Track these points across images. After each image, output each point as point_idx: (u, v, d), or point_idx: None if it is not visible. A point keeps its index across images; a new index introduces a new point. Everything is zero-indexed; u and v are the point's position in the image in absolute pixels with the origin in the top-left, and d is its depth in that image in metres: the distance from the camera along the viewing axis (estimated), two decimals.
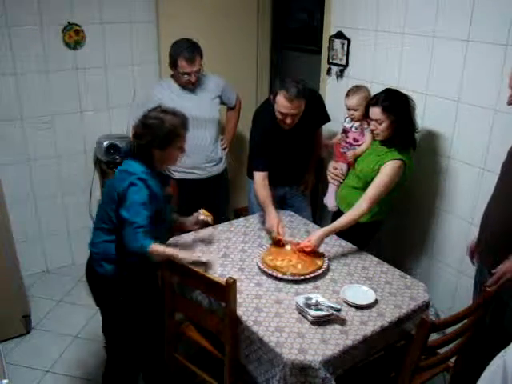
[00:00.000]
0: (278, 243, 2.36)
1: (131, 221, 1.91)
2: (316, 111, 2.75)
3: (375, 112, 2.34)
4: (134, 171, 1.98)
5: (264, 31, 3.87)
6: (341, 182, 2.68)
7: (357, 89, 2.61)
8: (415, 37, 2.64)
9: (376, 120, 2.35)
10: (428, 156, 2.67)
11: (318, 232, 2.30)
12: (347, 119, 2.70)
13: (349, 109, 2.62)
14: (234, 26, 3.64)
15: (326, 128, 3.22)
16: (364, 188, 2.42)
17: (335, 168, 2.70)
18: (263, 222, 2.61)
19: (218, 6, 3.51)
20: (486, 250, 2.07)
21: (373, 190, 2.34)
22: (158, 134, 1.98)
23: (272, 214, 2.48)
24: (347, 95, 2.63)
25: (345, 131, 2.71)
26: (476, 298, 2.19)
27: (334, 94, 3.24)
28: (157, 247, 1.95)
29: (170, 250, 2.01)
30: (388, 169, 2.34)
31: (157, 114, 2.01)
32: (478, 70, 2.36)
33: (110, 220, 2.04)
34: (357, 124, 2.63)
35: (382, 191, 2.34)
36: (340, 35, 3.09)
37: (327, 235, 2.32)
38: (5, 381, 1.76)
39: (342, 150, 2.71)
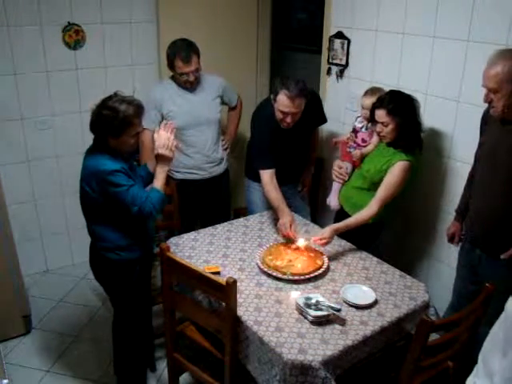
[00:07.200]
0: (288, 240, 2.38)
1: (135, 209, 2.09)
2: (315, 111, 2.75)
3: (380, 114, 2.34)
4: (106, 168, 2.05)
5: (264, 31, 3.86)
6: (345, 181, 2.69)
7: (375, 90, 2.60)
8: (415, 37, 2.64)
9: (381, 122, 2.35)
10: (428, 156, 2.66)
11: (330, 227, 2.31)
12: (359, 119, 2.70)
13: (363, 107, 2.63)
14: (234, 26, 3.64)
15: (327, 128, 3.23)
16: (369, 189, 2.43)
17: (340, 167, 2.70)
18: (263, 222, 2.62)
19: (217, 6, 3.51)
20: (483, 238, 2.13)
21: (383, 191, 2.35)
22: (113, 124, 2.03)
23: (285, 211, 2.50)
24: (365, 94, 2.63)
25: (355, 131, 2.71)
26: (459, 288, 2.33)
27: (334, 93, 3.24)
28: (157, 189, 2.18)
29: (160, 174, 2.22)
30: (397, 170, 2.34)
31: (112, 104, 2.04)
32: (477, 70, 2.35)
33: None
34: (367, 125, 2.64)
35: (391, 193, 2.36)
36: (340, 35, 3.09)
37: (338, 231, 2.33)
38: (5, 381, 1.76)
39: (348, 150, 2.71)
